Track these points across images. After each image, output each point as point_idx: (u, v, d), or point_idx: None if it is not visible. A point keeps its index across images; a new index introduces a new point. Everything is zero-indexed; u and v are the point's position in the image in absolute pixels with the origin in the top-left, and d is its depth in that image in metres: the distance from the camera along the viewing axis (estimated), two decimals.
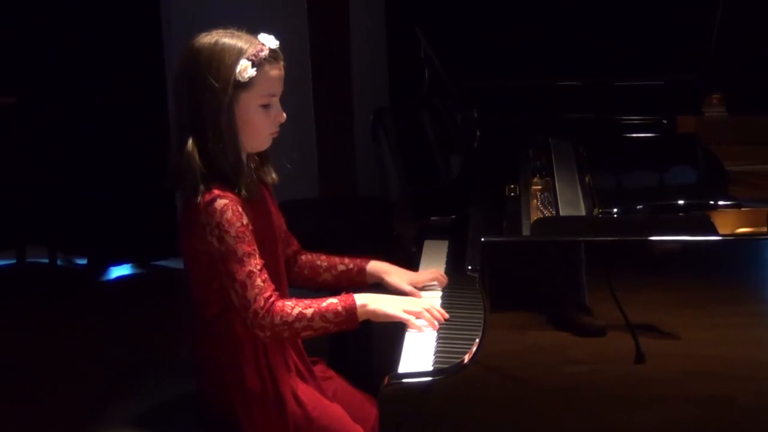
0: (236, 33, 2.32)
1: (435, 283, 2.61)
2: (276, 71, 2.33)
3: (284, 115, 2.36)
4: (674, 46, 3.92)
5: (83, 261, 5.21)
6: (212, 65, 2.27)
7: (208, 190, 2.27)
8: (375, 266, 2.61)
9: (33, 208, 5.06)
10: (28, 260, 5.08)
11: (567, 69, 4.10)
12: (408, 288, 2.56)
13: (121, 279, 5.13)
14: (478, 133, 3.08)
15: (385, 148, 3.52)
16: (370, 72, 4.76)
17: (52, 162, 5.08)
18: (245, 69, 2.27)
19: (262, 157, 2.44)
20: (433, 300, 2.52)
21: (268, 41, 2.33)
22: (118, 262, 5.19)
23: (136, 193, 5.06)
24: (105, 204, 5.07)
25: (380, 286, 2.56)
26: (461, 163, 3.14)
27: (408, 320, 2.35)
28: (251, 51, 2.29)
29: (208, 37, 2.31)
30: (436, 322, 2.37)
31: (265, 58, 2.30)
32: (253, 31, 2.36)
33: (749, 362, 2.06)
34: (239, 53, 2.28)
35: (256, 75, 2.29)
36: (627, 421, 2.09)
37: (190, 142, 2.29)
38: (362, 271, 2.60)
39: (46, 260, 5.11)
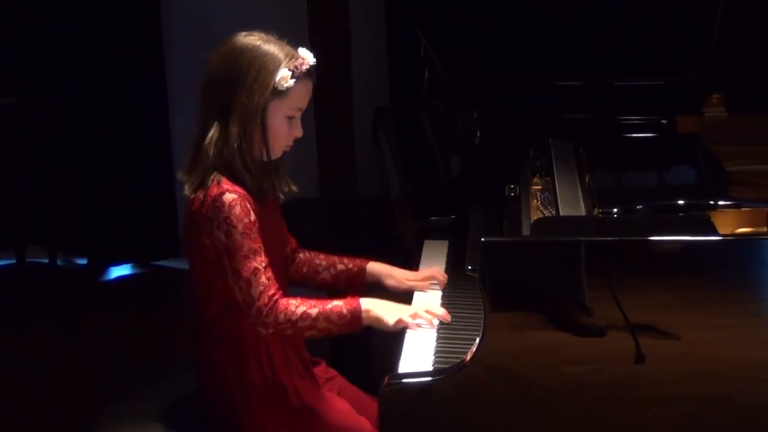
0: (278, 41, 2.35)
1: (435, 282, 2.61)
2: (309, 87, 2.37)
3: (302, 131, 2.39)
4: (674, 46, 3.92)
5: (83, 261, 5.21)
6: (254, 67, 2.29)
7: (218, 183, 2.28)
8: (374, 267, 2.61)
9: (33, 208, 5.05)
10: (28, 260, 5.06)
11: (567, 69, 4.10)
12: (407, 286, 2.57)
13: (121, 279, 5.13)
14: (478, 133, 3.08)
15: (385, 148, 3.52)
16: (370, 72, 4.76)
17: (52, 162, 5.07)
18: (285, 78, 2.30)
19: (278, 167, 2.44)
20: (433, 300, 2.52)
21: (308, 56, 2.35)
22: (118, 262, 5.19)
23: (136, 194, 5.06)
24: (105, 204, 5.06)
25: (379, 288, 2.57)
26: (461, 163, 3.14)
27: (409, 325, 2.36)
28: (293, 62, 2.32)
29: (251, 38, 2.33)
30: (435, 321, 2.38)
31: (303, 72, 2.33)
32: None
33: (749, 362, 2.07)
34: (281, 61, 2.31)
35: (293, 86, 2.31)
36: (627, 421, 2.09)
37: (212, 133, 2.30)
38: (362, 271, 2.60)
39: (46, 260, 5.10)
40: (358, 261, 2.62)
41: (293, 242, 2.63)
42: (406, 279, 2.60)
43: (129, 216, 5.09)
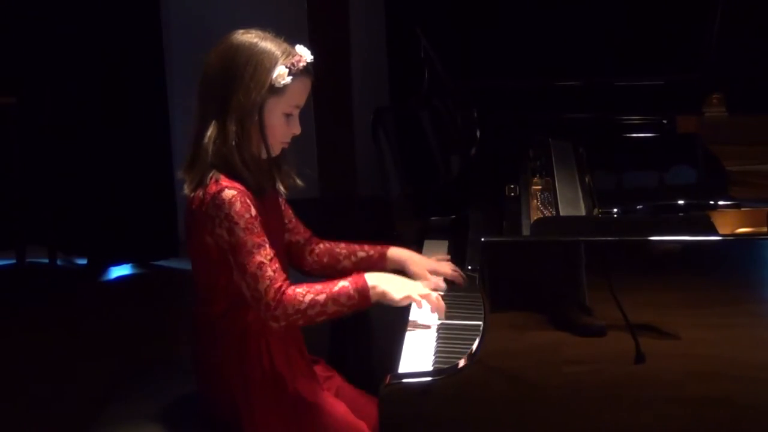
0: (275, 38, 2.35)
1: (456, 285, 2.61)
2: (306, 85, 2.37)
3: (300, 128, 2.39)
4: (674, 46, 3.92)
5: (83, 261, 5.21)
6: (250, 64, 2.29)
7: (216, 180, 2.28)
8: (396, 253, 2.61)
9: (33, 208, 5.05)
10: (28, 260, 5.07)
11: (567, 69, 4.10)
12: (430, 276, 2.56)
13: (121, 279, 5.13)
14: (478, 133, 3.08)
15: (385, 148, 3.52)
16: (370, 72, 4.76)
17: (52, 162, 5.07)
18: (282, 75, 2.30)
19: (280, 163, 2.45)
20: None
21: (305, 53, 2.35)
22: (118, 262, 5.19)
23: (136, 194, 5.06)
24: (105, 204, 5.06)
25: (400, 274, 2.55)
26: (461, 163, 3.14)
27: (416, 302, 2.37)
28: (290, 59, 2.32)
29: (248, 35, 2.33)
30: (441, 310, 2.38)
31: (300, 70, 2.33)
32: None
33: (749, 362, 2.06)
34: (278, 59, 2.31)
35: (290, 83, 2.31)
36: (627, 421, 2.09)
37: (210, 132, 2.31)
38: (383, 257, 2.60)
39: (46, 260, 5.10)
40: (378, 247, 2.61)
41: (306, 231, 2.63)
42: (428, 270, 2.58)
43: (129, 216, 5.09)
